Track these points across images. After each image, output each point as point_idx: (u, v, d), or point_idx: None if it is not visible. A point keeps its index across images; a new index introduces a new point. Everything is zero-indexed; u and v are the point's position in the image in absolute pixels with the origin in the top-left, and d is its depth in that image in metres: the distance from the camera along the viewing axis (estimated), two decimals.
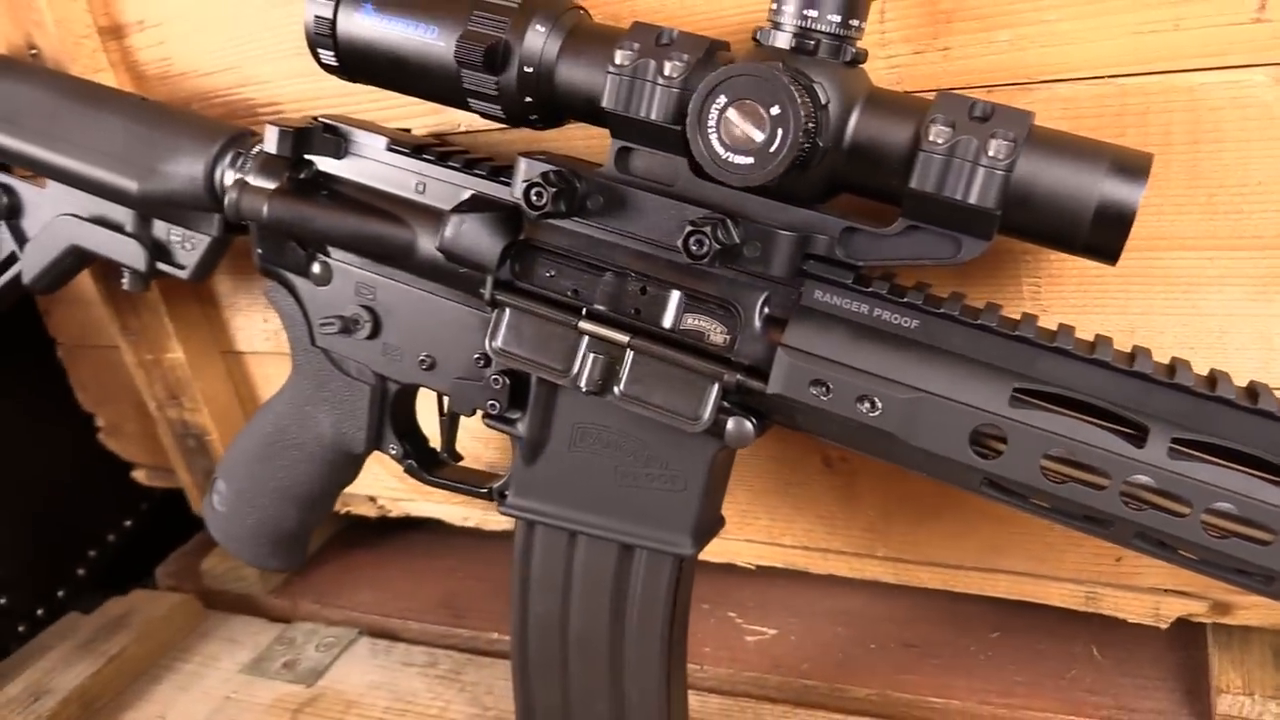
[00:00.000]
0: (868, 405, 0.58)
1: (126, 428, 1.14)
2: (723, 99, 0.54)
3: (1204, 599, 0.72)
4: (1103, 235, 0.53)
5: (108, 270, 0.94)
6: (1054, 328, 0.58)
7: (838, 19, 0.55)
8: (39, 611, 1.14)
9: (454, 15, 0.62)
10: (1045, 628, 0.82)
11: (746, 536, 0.85)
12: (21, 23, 0.87)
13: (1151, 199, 0.61)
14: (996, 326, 0.57)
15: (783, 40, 0.56)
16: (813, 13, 0.55)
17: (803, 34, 0.56)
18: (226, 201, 0.72)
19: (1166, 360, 0.57)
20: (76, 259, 0.86)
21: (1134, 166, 0.52)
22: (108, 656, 0.98)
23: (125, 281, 0.84)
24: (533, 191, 0.61)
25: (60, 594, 1.18)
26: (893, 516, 0.79)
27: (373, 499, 1.02)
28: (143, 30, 0.88)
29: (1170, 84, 0.59)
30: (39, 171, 0.84)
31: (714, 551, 0.87)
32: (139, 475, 1.18)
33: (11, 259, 0.91)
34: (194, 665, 1.00)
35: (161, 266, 0.83)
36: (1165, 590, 0.73)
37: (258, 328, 0.98)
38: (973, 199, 0.53)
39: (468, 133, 0.79)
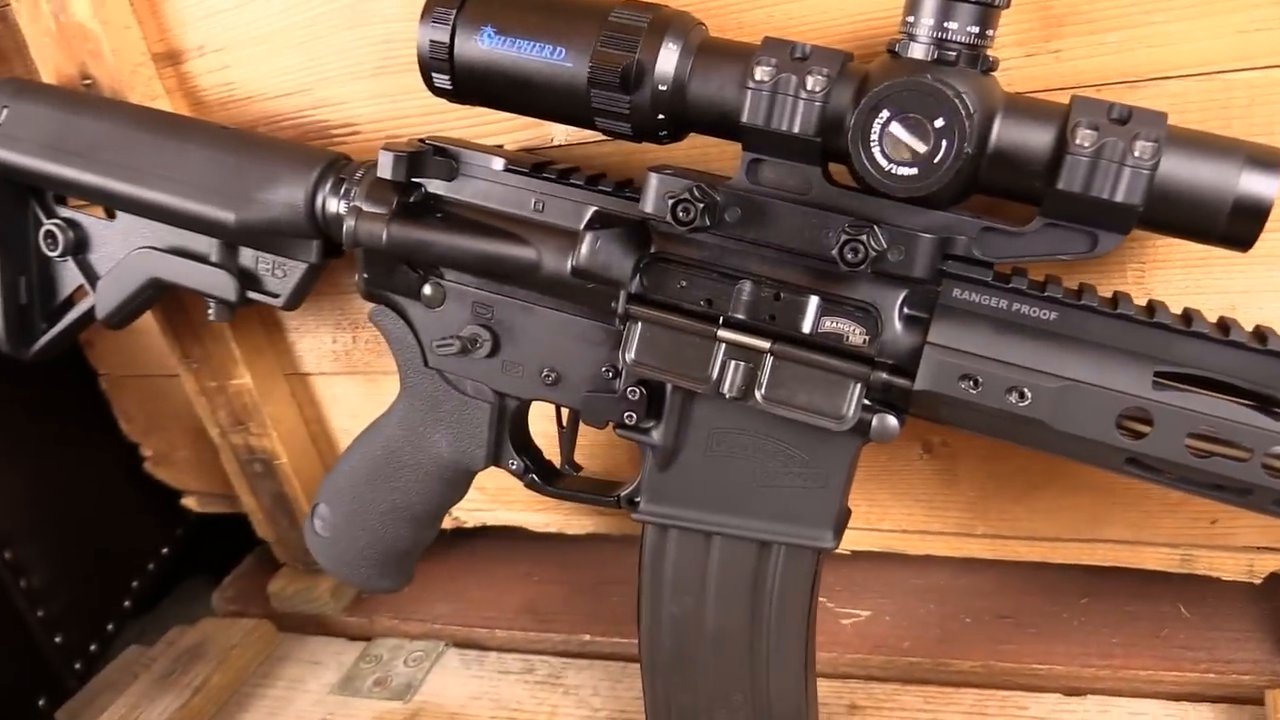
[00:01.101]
0: (1017, 396, 0.61)
1: (177, 455, 1.13)
2: (886, 113, 0.56)
3: None
4: (1240, 226, 0.56)
5: (169, 300, 0.93)
6: (1179, 312, 0.62)
7: (976, 30, 0.58)
8: (92, 647, 1.13)
9: (583, 36, 0.63)
10: (1130, 590, 0.87)
11: None
12: (76, 53, 0.85)
13: None
14: (1135, 315, 0.61)
15: (920, 51, 0.58)
16: (952, 25, 0.57)
17: (941, 45, 0.58)
18: (345, 229, 0.72)
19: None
20: (154, 292, 0.85)
21: (1269, 160, 0.56)
22: (192, 688, 0.98)
23: (211, 312, 0.84)
24: (679, 207, 0.62)
25: (110, 627, 1.17)
26: (992, 496, 0.83)
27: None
28: (203, 55, 0.87)
29: (1275, 78, 0.63)
30: (116, 206, 0.83)
31: None
32: (189, 502, 1.17)
33: (78, 294, 0.89)
34: (280, 690, 1.00)
35: (253, 295, 0.82)
36: (1259, 548, 0.78)
37: (326, 348, 0.98)
38: (1119, 197, 0.56)
39: (560, 146, 0.80)
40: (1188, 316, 0.61)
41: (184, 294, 0.87)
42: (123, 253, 0.85)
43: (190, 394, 1.00)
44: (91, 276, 0.87)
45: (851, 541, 0.90)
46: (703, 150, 0.74)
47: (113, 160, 0.80)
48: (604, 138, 0.69)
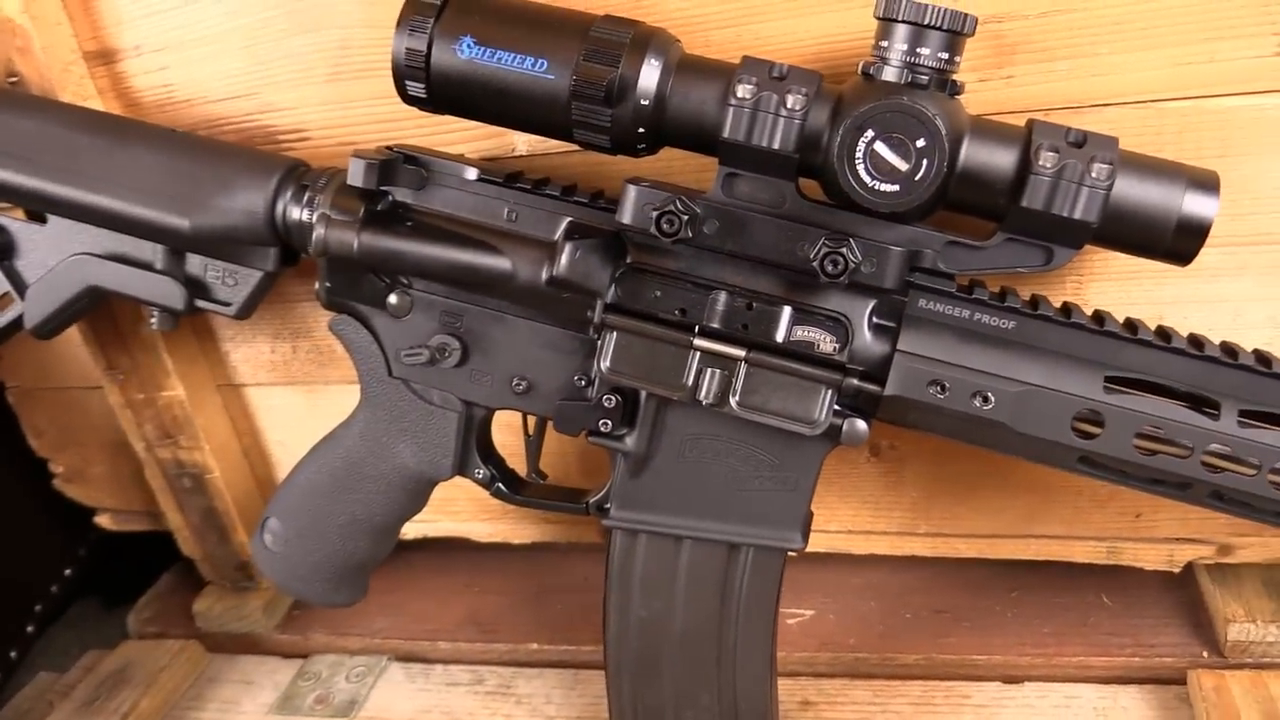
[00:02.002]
0: (981, 400, 0.65)
1: (92, 471, 1.08)
2: (871, 132, 0.59)
3: (1211, 544, 0.84)
4: (1183, 243, 0.61)
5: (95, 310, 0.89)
6: (1123, 321, 0.67)
7: (945, 55, 0.61)
8: None
9: (565, 50, 0.64)
10: (1056, 583, 0.92)
11: None
12: (2, 49, 0.81)
13: None
14: (1086, 324, 0.65)
15: (893, 75, 0.61)
16: (924, 50, 0.61)
17: (914, 69, 0.61)
18: (315, 237, 0.71)
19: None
20: (90, 301, 0.82)
21: (1208, 183, 0.61)
22: (119, 714, 0.94)
23: (154, 321, 0.81)
24: (664, 219, 0.64)
25: (13, 654, 1.11)
26: (935, 496, 0.87)
27: None
28: (139, 56, 0.85)
29: (1203, 107, 0.69)
30: (55, 211, 0.79)
31: None
32: (104, 520, 1.12)
33: (2, 303, 0.85)
34: (212, 713, 0.97)
35: (202, 304, 0.80)
36: (1177, 539, 0.85)
37: (263, 358, 0.96)
38: (1078, 215, 0.60)
39: (523, 156, 0.80)
40: (1133, 325, 0.66)
41: (122, 302, 0.84)
42: (55, 259, 0.81)
43: (115, 406, 0.96)
44: (19, 284, 0.82)
45: None
46: (668, 163, 0.76)
47: (54, 164, 0.76)
48: (569, 148, 0.70)
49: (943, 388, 0.65)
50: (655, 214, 0.64)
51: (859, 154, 0.60)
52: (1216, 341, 0.66)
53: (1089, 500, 0.84)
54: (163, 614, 1.09)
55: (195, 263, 0.80)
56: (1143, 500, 0.82)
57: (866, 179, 0.60)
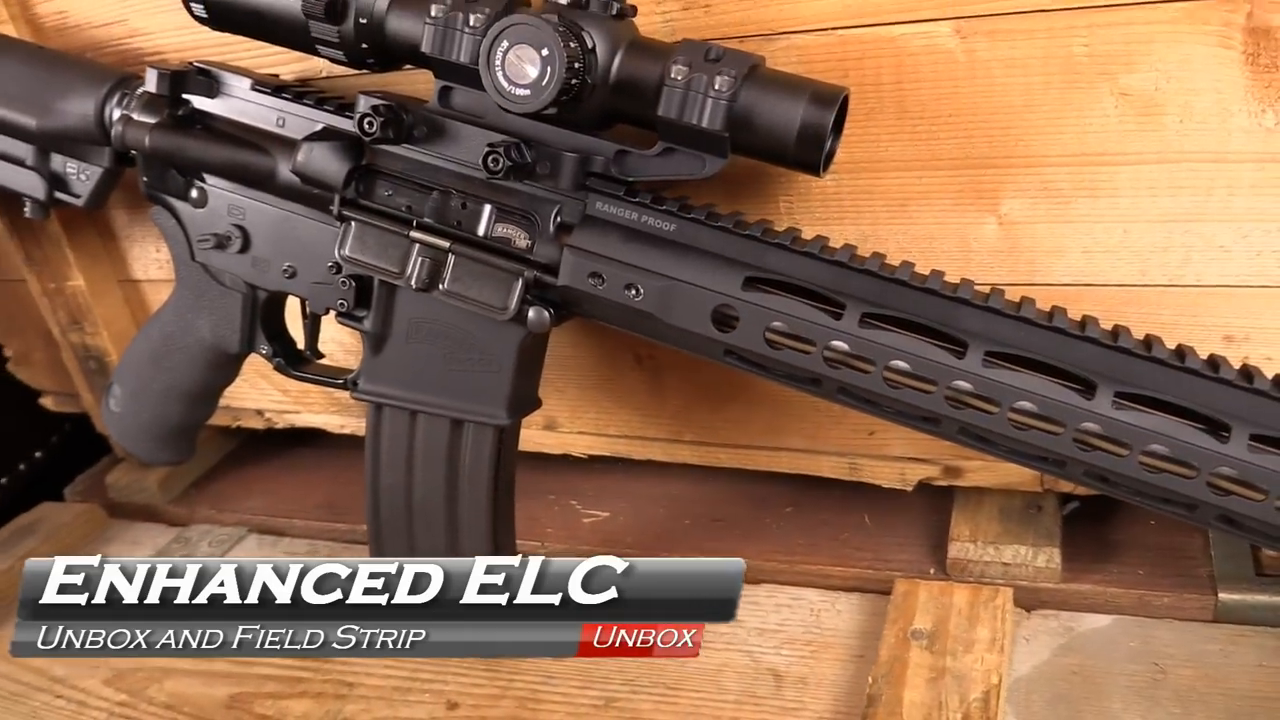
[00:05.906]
0: (633, 292, 0.72)
1: (34, 356, 1.25)
2: (506, 43, 0.68)
3: (937, 464, 0.88)
4: (805, 151, 0.67)
5: (10, 206, 1.05)
6: (781, 230, 0.73)
7: None
8: None
9: None
10: (829, 503, 0.97)
11: (579, 429, 1.00)
12: None
13: (871, 129, 0.76)
14: (733, 227, 0.72)
15: None
16: None
17: None
18: (113, 134, 0.83)
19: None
20: None
21: (828, 97, 0.67)
22: (15, 558, 1.09)
23: (27, 210, 0.96)
24: (365, 121, 0.74)
25: None
26: (693, 406, 0.94)
27: (260, 412, 1.15)
28: None
29: (878, 35, 0.73)
30: None
31: (553, 444, 1.02)
32: (46, 402, 1.29)
33: None
34: None
35: (60, 196, 0.94)
36: (909, 458, 0.89)
37: (151, 257, 1.10)
38: (704, 124, 0.67)
39: (328, 77, 0.91)
40: (780, 232, 0.72)
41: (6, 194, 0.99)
42: None
43: (35, 294, 1.12)
44: None
45: (586, 446, 1.01)
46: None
47: None
48: (361, 72, 0.80)
49: (601, 279, 0.73)
50: (358, 116, 0.74)
51: (497, 61, 0.68)
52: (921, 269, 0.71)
53: (825, 415, 0.89)
54: (92, 486, 1.25)
55: (58, 161, 0.94)
56: (875, 419, 0.86)
57: (504, 84, 0.68)
